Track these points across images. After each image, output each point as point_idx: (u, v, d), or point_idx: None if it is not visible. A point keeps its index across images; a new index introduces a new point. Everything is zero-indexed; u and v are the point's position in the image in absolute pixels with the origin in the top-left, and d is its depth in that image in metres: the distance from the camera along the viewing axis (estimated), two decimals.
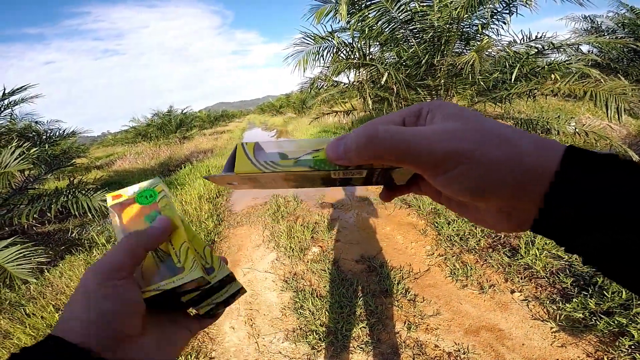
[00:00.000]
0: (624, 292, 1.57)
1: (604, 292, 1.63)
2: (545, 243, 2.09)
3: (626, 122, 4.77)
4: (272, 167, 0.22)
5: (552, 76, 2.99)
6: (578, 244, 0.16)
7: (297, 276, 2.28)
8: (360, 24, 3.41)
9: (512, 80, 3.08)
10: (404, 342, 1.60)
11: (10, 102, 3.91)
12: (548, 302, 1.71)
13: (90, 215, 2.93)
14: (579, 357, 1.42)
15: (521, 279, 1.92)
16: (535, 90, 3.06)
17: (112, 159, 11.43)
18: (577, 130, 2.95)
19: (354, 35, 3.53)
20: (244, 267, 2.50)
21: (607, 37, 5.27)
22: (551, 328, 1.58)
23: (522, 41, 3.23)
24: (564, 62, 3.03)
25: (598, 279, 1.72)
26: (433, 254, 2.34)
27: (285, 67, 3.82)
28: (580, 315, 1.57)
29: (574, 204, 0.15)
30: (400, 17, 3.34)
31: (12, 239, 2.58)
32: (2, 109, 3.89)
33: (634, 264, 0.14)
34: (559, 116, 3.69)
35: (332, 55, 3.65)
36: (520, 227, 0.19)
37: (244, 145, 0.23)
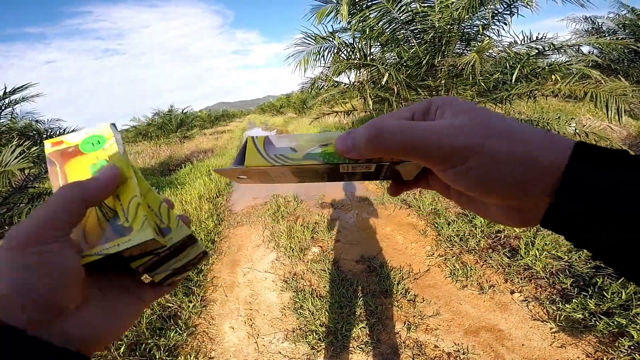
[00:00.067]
0: (623, 293, 1.57)
1: (604, 292, 1.63)
2: (545, 244, 2.09)
3: (626, 123, 4.77)
4: (282, 161, 0.22)
5: (553, 77, 2.99)
6: (588, 240, 0.16)
7: (297, 276, 2.28)
8: (361, 24, 3.41)
9: (513, 81, 3.09)
10: (403, 343, 1.60)
11: (11, 101, 3.92)
12: (548, 302, 1.71)
13: None
14: (578, 357, 1.42)
15: (521, 279, 1.92)
16: (536, 91, 3.06)
17: None
18: (577, 131, 2.95)
19: (355, 36, 3.53)
20: (244, 267, 2.51)
21: (608, 38, 5.28)
22: (551, 328, 1.58)
23: (522, 42, 3.23)
24: (565, 63, 3.04)
25: (598, 280, 1.72)
26: (433, 254, 2.34)
27: (285, 67, 3.82)
28: (580, 315, 1.57)
29: (584, 200, 0.15)
30: (401, 18, 3.34)
31: None
32: (3, 108, 3.88)
33: None
34: (559, 117, 3.69)
35: (332, 55, 3.65)
36: (529, 222, 0.19)
37: (254, 139, 0.23)
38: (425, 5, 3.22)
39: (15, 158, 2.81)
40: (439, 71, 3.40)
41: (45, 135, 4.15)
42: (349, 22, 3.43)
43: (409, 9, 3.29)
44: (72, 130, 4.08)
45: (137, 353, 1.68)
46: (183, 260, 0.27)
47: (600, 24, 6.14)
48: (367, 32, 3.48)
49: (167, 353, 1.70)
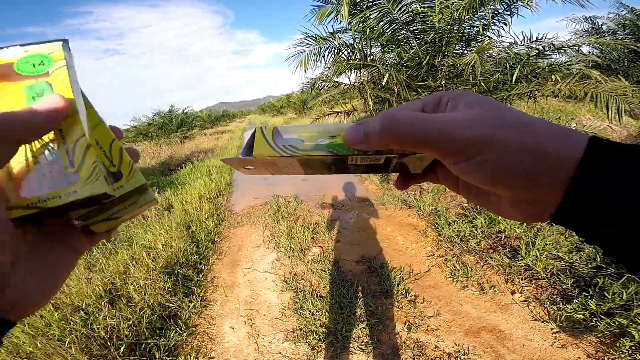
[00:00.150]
0: (624, 293, 1.57)
1: (605, 293, 1.62)
2: (546, 244, 2.08)
3: (627, 123, 4.77)
4: (290, 151, 0.22)
5: (553, 77, 2.99)
6: (599, 235, 0.16)
7: (297, 276, 2.28)
8: (361, 25, 3.41)
9: (513, 81, 3.08)
10: (404, 343, 1.60)
11: None
12: (548, 303, 1.71)
13: None
14: (579, 358, 1.41)
15: (522, 280, 1.92)
16: (536, 91, 3.06)
17: None
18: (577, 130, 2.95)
19: (355, 36, 3.53)
20: (244, 267, 2.50)
21: (608, 38, 5.28)
22: (552, 329, 1.57)
23: (522, 42, 3.23)
24: (565, 63, 3.04)
25: (599, 280, 1.72)
26: (433, 254, 2.34)
27: (286, 68, 3.82)
28: (581, 316, 1.57)
29: (597, 195, 0.15)
30: (402, 18, 3.34)
31: None
32: None
33: None
34: (559, 117, 3.69)
35: (333, 56, 3.65)
36: (540, 217, 0.19)
37: (262, 130, 0.23)
38: (426, 5, 3.22)
39: None
40: (439, 71, 3.40)
41: None
42: (349, 23, 3.44)
43: (409, 9, 3.29)
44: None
45: (137, 353, 1.68)
46: (129, 208, 0.23)
47: (600, 24, 6.14)
48: (367, 33, 3.48)
49: (167, 353, 1.69)
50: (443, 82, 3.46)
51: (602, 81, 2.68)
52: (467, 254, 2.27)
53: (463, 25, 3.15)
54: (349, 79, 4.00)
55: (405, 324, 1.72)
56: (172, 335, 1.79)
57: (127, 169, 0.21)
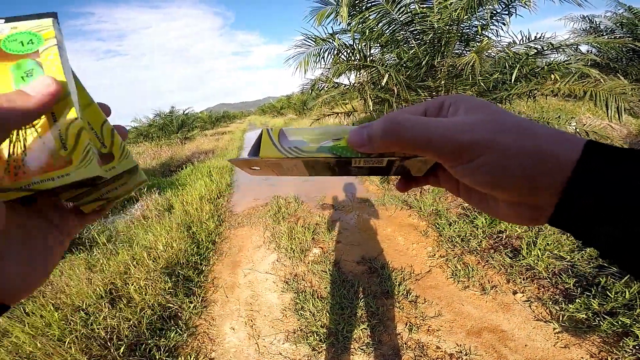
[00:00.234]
0: (627, 293, 1.56)
1: (607, 292, 1.62)
2: (547, 244, 2.08)
3: (626, 121, 4.77)
4: (295, 153, 0.22)
5: (552, 76, 2.99)
6: (599, 234, 0.16)
7: (298, 277, 2.27)
8: (360, 25, 3.43)
9: (512, 80, 3.09)
10: (405, 344, 1.59)
11: None
12: (550, 302, 1.70)
13: None
14: (582, 357, 1.41)
15: (523, 279, 1.91)
16: (535, 91, 3.06)
17: None
18: (577, 130, 2.95)
19: (355, 37, 3.54)
20: (244, 268, 2.50)
21: (606, 37, 5.28)
22: (554, 329, 1.56)
23: (521, 42, 3.24)
24: (564, 62, 3.04)
25: (601, 279, 1.71)
26: (434, 255, 2.33)
27: (286, 69, 3.83)
28: (583, 315, 1.56)
29: (595, 195, 0.15)
30: (401, 19, 3.35)
31: None
32: None
33: None
34: (559, 116, 3.69)
35: (332, 56, 3.66)
36: (538, 220, 0.19)
37: (269, 131, 0.23)
38: (424, 6, 3.23)
39: None
40: (439, 72, 3.41)
41: None
42: (348, 24, 3.45)
43: (408, 10, 3.30)
44: None
45: (137, 353, 1.67)
46: (120, 189, 0.23)
47: (598, 23, 6.16)
48: (366, 34, 3.49)
49: (167, 353, 1.69)
50: (442, 82, 3.46)
51: (601, 80, 2.68)
52: (468, 254, 2.26)
53: (462, 25, 3.16)
54: (348, 79, 4.01)
55: (406, 324, 1.71)
56: (172, 335, 1.79)
57: (118, 151, 0.21)
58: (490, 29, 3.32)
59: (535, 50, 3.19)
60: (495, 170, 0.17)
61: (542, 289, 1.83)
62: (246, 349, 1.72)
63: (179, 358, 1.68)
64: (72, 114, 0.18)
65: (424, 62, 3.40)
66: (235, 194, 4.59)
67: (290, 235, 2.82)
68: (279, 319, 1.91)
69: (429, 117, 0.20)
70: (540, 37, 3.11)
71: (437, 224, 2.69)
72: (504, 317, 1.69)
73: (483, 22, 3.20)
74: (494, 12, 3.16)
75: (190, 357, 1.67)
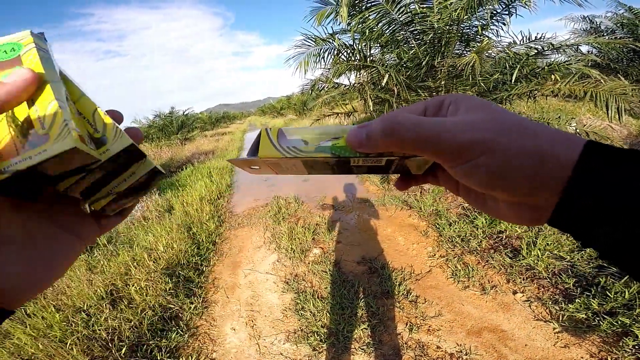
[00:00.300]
0: (626, 292, 1.57)
1: (607, 292, 1.62)
2: (547, 244, 2.08)
3: (627, 122, 4.76)
4: (294, 153, 0.22)
5: (552, 77, 2.99)
6: (599, 235, 0.16)
7: (298, 277, 2.27)
8: (360, 25, 3.43)
9: (513, 81, 3.09)
10: (405, 344, 1.60)
11: None
12: (550, 302, 1.70)
13: None
14: (582, 357, 1.41)
15: (523, 279, 1.91)
16: (536, 91, 3.07)
17: None
18: (578, 130, 2.95)
19: (355, 37, 3.55)
20: (245, 269, 2.50)
21: (607, 38, 5.29)
22: (554, 329, 1.57)
23: (521, 42, 3.24)
24: (564, 62, 3.04)
25: (601, 279, 1.71)
26: (434, 255, 2.33)
27: (286, 69, 3.84)
28: (583, 315, 1.56)
29: (595, 195, 0.15)
30: (401, 19, 3.36)
31: None
32: None
33: None
34: (559, 117, 3.70)
35: (332, 57, 3.67)
36: (538, 221, 0.19)
37: (268, 131, 0.24)
38: (424, 6, 3.24)
39: None
40: (439, 72, 3.41)
41: None
42: (348, 24, 3.45)
43: (408, 10, 3.30)
44: None
45: (138, 354, 1.68)
46: (129, 180, 0.22)
47: (598, 23, 6.15)
48: (366, 34, 3.49)
49: (168, 354, 1.69)
50: (442, 82, 3.47)
51: (602, 80, 2.68)
52: (468, 254, 2.27)
53: (462, 25, 3.16)
54: (348, 80, 4.01)
55: (406, 324, 1.72)
56: (173, 336, 1.79)
57: (111, 133, 0.20)
58: (491, 29, 3.32)
59: (536, 51, 3.19)
60: (495, 170, 0.17)
61: (542, 289, 1.83)
62: (247, 350, 1.72)
63: (180, 359, 1.69)
64: (50, 96, 0.18)
65: (424, 63, 3.40)
66: (236, 195, 4.60)
67: (290, 235, 2.83)
68: (279, 319, 1.91)
69: (428, 117, 0.19)
70: (540, 38, 3.11)
71: (437, 224, 2.69)
72: (504, 317, 1.69)
73: (483, 22, 3.20)
74: (494, 12, 3.16)
75: (192, 358, 1.67)
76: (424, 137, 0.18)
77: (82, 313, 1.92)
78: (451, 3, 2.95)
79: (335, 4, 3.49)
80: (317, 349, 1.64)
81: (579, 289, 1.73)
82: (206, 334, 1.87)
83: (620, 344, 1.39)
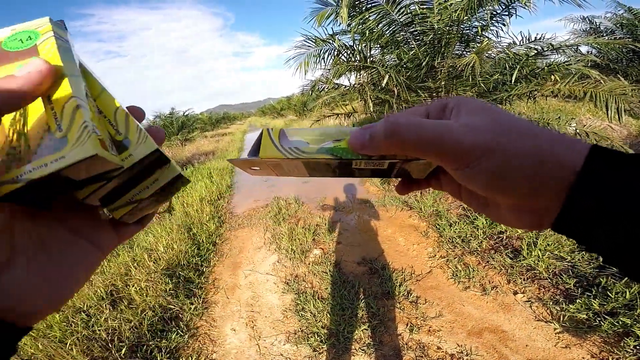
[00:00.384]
0: (627, 293, 1.56)
1: (608, 292, 1.62)
2: (548, 244, 2.08)
3: (627, 122, 4.76)
4: (295, 154, 0.22)
5: (552, 77, 3.00)
6: (599, 238, 0.16)
7: (299, 278, 2.27)
8: (361, 26, 3.44)
9: (512, 81, 3.09)
10: (406, 344, 1.59)
11: None
12: (551, 303, 1.70)
13: None
14: (583, 358, 1.40)
15: (524, 280, 1.91)
16: (536, 92, 3.07)
17: None
18: (577, 131, 2.95)
19: (355, 38, 3.56)
20: (245, 269, 2.50)
21: (606, 38, 5.29)
22: (555, 329, 1.56)
23: (521, 43, 3.24)
24: (564, 63, 3.04)
25: (601, 280, 1.71)
26: (435, 255, 2.33)
27: (286, 70, 3.84)
28: (584, 316, 1.56)
29: (597, 197, 0.15)
30: (401, 20, 3.36)
31: None
32: None
33: None
34: (559, 117, 3.70)
35: (333, 57, 3.67)
36: (540, 225, 0.19)
37: (269, 131, 0.23)
38: (424, 7, 3.24)
39: None
40: (439, 72, 3.41)
41: None
42: (348, 25, 3.46)
43: (408, 10, 3.31)
44: None
45: (138, 355, 1.68)
46: (152, 187, 0.21)
47: (598, 23, 6.16)
48: (366, 35, 3.50)
49: (168, 355, 1.69)
50: (443, 83, 3.47)
51: (601, 81, 2.69)
52: (468, 254, 2.26)
53: (462, 26, 3.17)
54: (349, 80, 4.02)
55: (407, 325, 1.71)
56: (173, 337, 1.79)
57: (135, 136, 0.19)
58: (490, 30, 3.33)
59: (536, 51, 3.19)
60: (498, 174, 0.17)
61: (543, 290, 1.83)
62: (247, 350, 1.72)
63: (180, 359, 1.68)
64: (67, 93, 0.16)
65: (424, 63, 3.41)
66: (236, 196, 4.60)
67: (290, 236, 2.82)
68: (279, 320, 1.91)
69: (430, 120, 0.19)
70: (540, 38, 3.12)
71: (438, 224, 2.69)
72: (505, 318, 1.69)
73: (483, 23, 3.21)
74: (494, 12, 3.17)
75: (192, 359, 1.67)
76: (426, 139, 0.18)
77: (82, 313, 1.92)
78: (451, 4, 2.95)
79: (335, 5, 3.50)
80: (318, 349, 1.63)
81: (579, 289, 1.73)
82: (206, 335, 1.87)
83: (622, 344, 1.39)
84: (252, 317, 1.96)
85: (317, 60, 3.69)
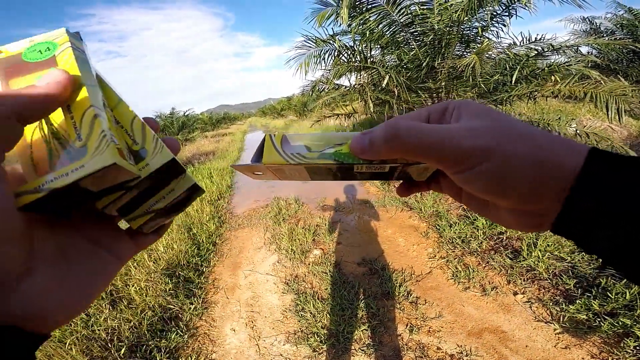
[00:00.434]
0: (627, 293, 1.56)
1: (608, 293, 1.62)
2: (548, 245, 2.08)
3: (627, 123, 4.76)
4: (297, 159, 0.22)
5: (552, 78, 3.00)
6: (598, 239, 0.16)
7: (299, 279, 2.27)
8: (361, 27, 3.44)
9: (513, 82, 3.10)
10: (406, 345, 1.59)
11: None
12: (551, 303, 1.70)
13: None
14: (583, 358, 1.40)
15: (524, 280, 1.91)
16: (536, 92, 3.07)
17: None
18: (578, 131, 2.95)
19: (355, 39, 3.56)
20: (245, 270, 2.50)
21: (606, 39, 5.29)
22: (555, 330, 1.56)
23: (521, 43, 3.25)
24: (564, 63, 3.05)
25: (601, 280, 1.71)
26: (435, 256, 2.33)
27: (286, 70, 3.85)
28: (584, 316, 1.55)
29: (596, 199, 0.15)
30: (401, 20, 3.37)
31: None
32: None
33: None
34: (559, 118, 3.70)
35: (333, 58, 3.68)
36: (540, 227, 0.19)
37: (272, 137, 0.24)
38: (425, 7, 3.25)
39: None
40: (439, 73, 3.42)
41: None
42: (349, 25, 3.46)
43: (409, 11, 3.32)
44: None
45: (137, 355, 1.68)
46: (168, 197, 0.21)
47: (598, 24, 6.17)
48: (367, 35, 3.51)
49: (167, 355, 1.69)
50: (443, 83, 3.47)
51: (602, 81, 2.69)
52: (468, 255, 2.26)
53: (462, 26, 3.17)
54: (349, 81, 4.03)
55: (407, 325, 1.71)
56: (173, 337, 1.79)
57: (151, 145, 0.19)
58: (491, 31, 3.33)
59: (536, 52, 3.20)
60: (498, 177, 0.17)
61: (543, 290, 1.82)
62: (247, 350, 1.72)
63: (180, 359, 1.68)
64: (86, 103, 0.17)
65: (424, 64, 3.41)
66: (236, 196, 4.60)
67: (290, 236, 2.82)
68: (279, 320, 1.91)
69: (431, 124, 0.19)
70: (540, 39, 3.12)
71: (438, 225, 2.69)
72: (505, 318, 1.69)
73: (483, 23, 3.21)
74: (494, 13, 3.18)
75: (191, 359, 1.67)
76: (426, 143, 0.18)
77: (82, 313, 1.92)
78: (451, 4, 2.96)
79: (335, 5, 3.50)
80: (317, 350, 1.63)
81: (579, 290, 1.73)
82: (206, 335, 1.87)
83: (622, 344, 1.39)
84: (252, 317, 1.96)
85: (318, 61, 3.70)
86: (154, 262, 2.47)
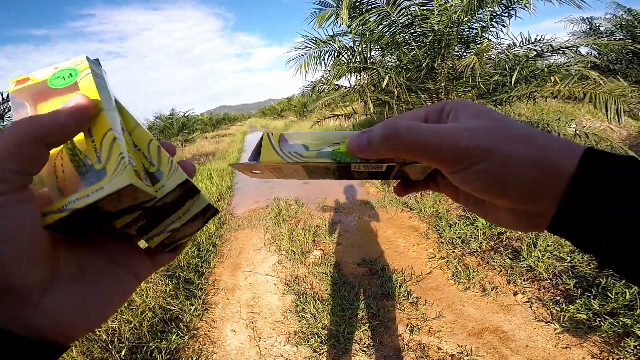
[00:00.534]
0: (627, 293, 1.56)
1: (608, 293, 1.62)
2: (547, 245, 2.08)
3: (626, 123, 4.77)
4: (295, 158, 0.23)
5: (552, 78, 3.01)
6: (595, 240, 0.16)
7: (299, 279, 2.27)
8: (361, 27, 3.45)
9: (512, 82, 3.10)
10: (406, 345, 1.59)
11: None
12: (551, 303, 1.70)
13: None
14: (583, 358, 1.40)
15: (524, 280, 1.91)
16: (535, 93, 3.08)
17: None
18: (577, 132, 2.95)
19: (355, 39, 3.57)
20: (245, 270, 2.50)
21: (606, 39, 5.30)
22: (555, 329, 1.56)
23: (521, 44, 3.26)
24: (563, 64, 3.06)
25: (601, 280, 1.71)
26: (435, 256, 2.33)
27: (286, 71, 3.86)
28: (584, 316, 1.56)
29: (592, 199, 0.15)
30: (401, 21, 3.38)
31: None
32: (7, 111, 3.93)
33: None
34: (559, 118, 3.70)
35: (333, 59, 3.69)
36: (537, 227, 0.19)
37: (269, 136, 0.24)
38: (425, 8, 3.26)
39: None
40: (439, 74, 3.42)
41: None
42: (349, 26, 3.47)
43: (408, 12, 3.33)
44: None
45: (138, 356, 1.67)
46: (183, 217, 0.22)
47: (597, 25, 6.18)
48: (367, 36, 3.52)
49: (168, 356, 1.69)
50: (443, 84, 3.48)
51: (601, 82, 2.70)
52: (468, 255, 2.26)
53: (462, 27, 3.18)
54: (349, 81, 4.03)
55: (407, 325, 1.71)
56: (173, 338, 1.79)
57: (166, 167, 0.20)
58: (490, 31, 3.34)
59: (535, 52, 3.21)
60: (495, 177, 0.17)
61: (543, 290, 1.83)
62: (247, 351, 1.72)
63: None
64: (105, 126, 0.18)
65: (424, 64, 3.42)
66: (236, 197, 4.60)
67: (290, 237, 2.83)
68: (279, 320, 1.91)
69: (428, 124, 0.20)
70: (540, 39, 3.13)
71: (438, 225, 2.69)
72: (505, 318, 1.69)
73: (483, 24, 3.22)
74: (494, 14, 3.18)
75: (191, 359, 1.67)
76: (424, 143, 0.18)
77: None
78: (451, 5, 2.97)
79: (335, 6, 3.51)
80: (318, 350, 1.63)
81: (579, 289, 1.73)
82: (206, 336, 1.87)
83: (622, 344, 1.39)
84: (252, 318, 1.96)
85: (318, 62, 3.71)
86: None
